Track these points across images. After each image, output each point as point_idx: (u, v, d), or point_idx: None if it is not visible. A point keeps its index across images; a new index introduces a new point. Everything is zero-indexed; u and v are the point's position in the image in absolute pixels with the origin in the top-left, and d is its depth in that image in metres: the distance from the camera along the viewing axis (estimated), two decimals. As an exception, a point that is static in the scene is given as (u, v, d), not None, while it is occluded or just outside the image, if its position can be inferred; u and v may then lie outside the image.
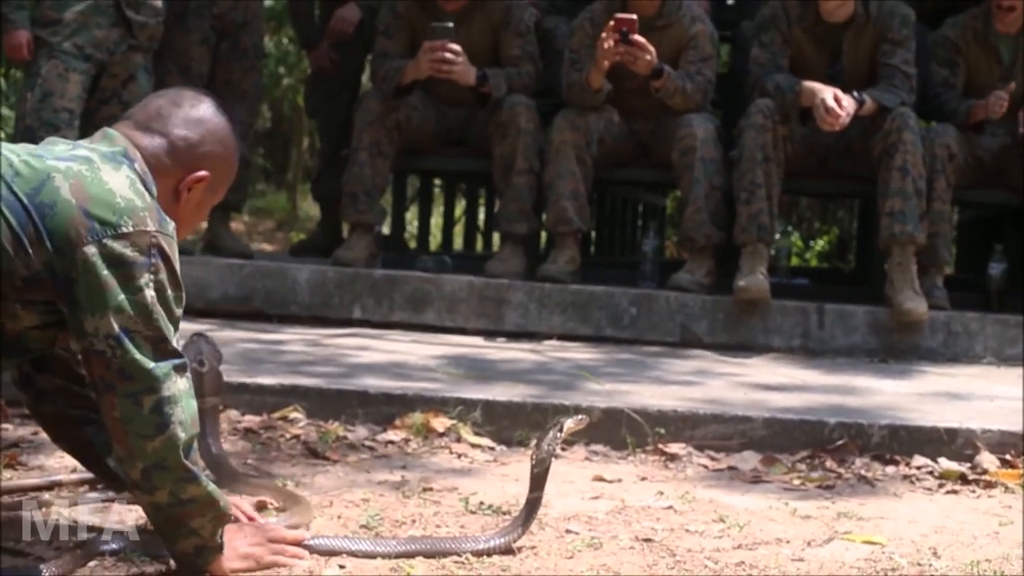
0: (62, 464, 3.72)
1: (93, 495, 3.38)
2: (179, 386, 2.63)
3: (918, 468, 4.24)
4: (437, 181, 9.91)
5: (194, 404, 2.67)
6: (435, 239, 10.46)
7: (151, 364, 2.60)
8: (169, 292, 2.65)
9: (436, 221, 10.78)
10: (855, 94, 6.38)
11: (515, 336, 6.32)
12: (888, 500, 3.85)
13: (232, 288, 6.46)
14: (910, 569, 3.02)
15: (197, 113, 2.84)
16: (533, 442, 3.35)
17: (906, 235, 6.33)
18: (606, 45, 6.39)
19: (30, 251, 2.54)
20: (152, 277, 2.61)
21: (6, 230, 2.53)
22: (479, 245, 10.54)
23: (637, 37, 6.40)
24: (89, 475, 3.52)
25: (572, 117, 6.66)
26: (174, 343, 2.65)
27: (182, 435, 2.62)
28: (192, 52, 6.96)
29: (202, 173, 2.81)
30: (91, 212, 2.57)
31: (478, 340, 6.18)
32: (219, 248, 7.07)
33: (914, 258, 6.40)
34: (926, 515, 3.65)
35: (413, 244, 9.78)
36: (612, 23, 6.39)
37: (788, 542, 3.26)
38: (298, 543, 2.94)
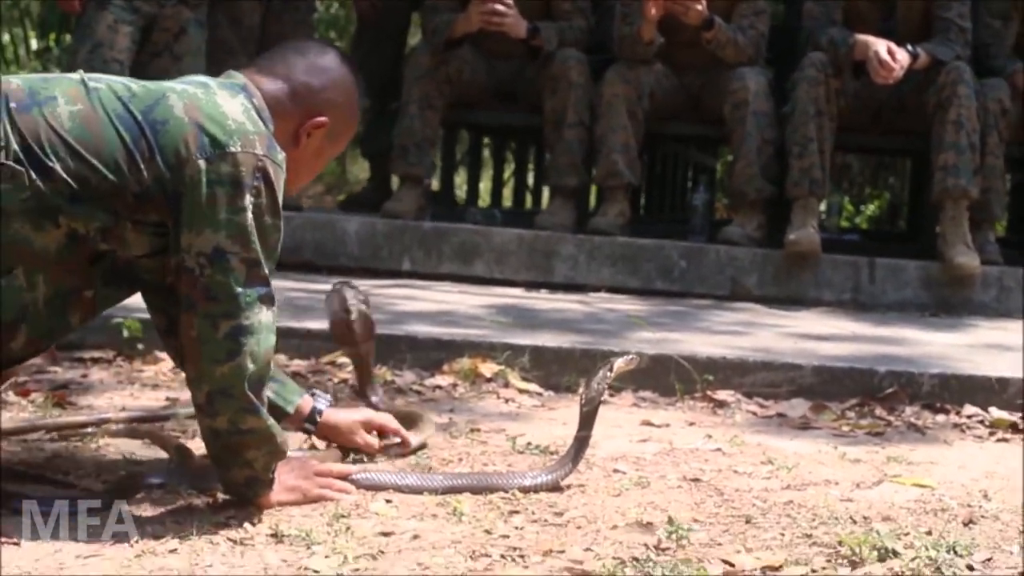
0: (111, 404, 3.75)
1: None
2: (260, 317, 2.64)
3: (968, 417, 4.21)
4: (486, 140, 9.86)
5: (272, 339, 2.67)
6: (484, 198, 10.41)
7: (238, 289, 2.61)
8: (267, 219, 2.65)
9: (485, 185, 10.73)
10: (909, 47, 6.32)
11: (564, 288, 6.30)
12: (938, 447, 3.82)
13: (283, 239, 6.43)
14: (960, 510, 2.99)
15: (322, 61, 2.87)
16: (582, 383, 3.33)
17: (959, 189, 6.27)
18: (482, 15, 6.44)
19: (142, 166, 2.59)
20: (253, 200, 2.61)
21: (119, 145, 2.58)
22: (528, 203, 10.51)
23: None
24: (137, 413, 3.55)
25: (623, 71, 6.62)
26: (266, 271, 2.65)
27: (251, 366, 2.62)
28: (243, 5, 6.95)
29: (322, 119, 2.83)
30: (202, 127, 2.61)
31: (527, 292, 6.17)
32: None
33: (967, 213, 6.34)
34: (976, 461, 3.62)
35: (462, 201, 9.76)
36: None
37: (837, 484, 3.23)
38: (344, 477, 2.95)
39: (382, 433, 3.28)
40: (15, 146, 2.54)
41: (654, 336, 4.77)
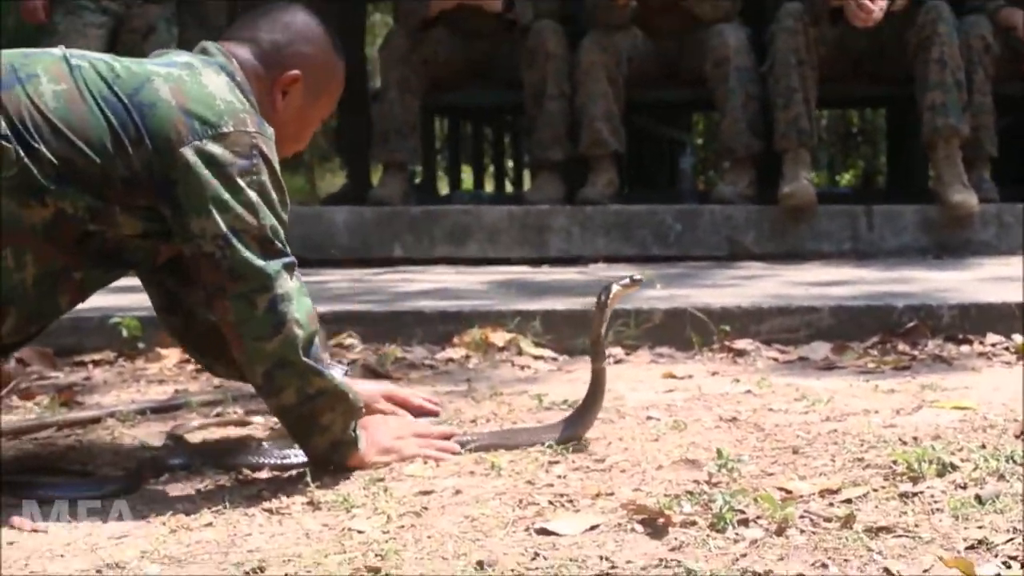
0: (118, 400, 3.64)
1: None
2: (291, 284, 2.56)
3: (992, 345, 4.14)
4: (465, 126, 9.81)
5: (308, 302, 2.59)
6: (466, 184, 10.34)
7: (261, 262, 2.52)
8: (273, 194, 2.57)
9: (466, 172, 10.66)
10: None
11: (560, 262, 6.20)
12: (968, 374, 3.75)
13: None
14: (1008, 425, 2.90)
15: (286, 18, 2.80)
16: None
17: (950, 128, 6.21)
18: None
19: (130, 151, 2.49)
20: (255, 178, 2.54)
21: (106, 127, 2.49)
22: (508, 187, 10.43)
23: None
24: (147, 404, 3.45)
25: (599, 38, 6.54)
26: (281, 243, 2.56)
27: (300, 332, 2.55)
28: (209, 4, 6.84)
29: (294, 73, 2.75)
30: (191, 111, 2.52)
31: (523, 268, 6.07)
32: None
33: (959, 152, 6.27)
34: (1009, 384, 3.54)
35: (444, 190, 9.67)
36: None
37: (876, 412, 3.15)
38: (447, 438, 2.86)
39: (404, 406, 3.18)
40: (2, 123, 2.44)
41: (663, 292, 4.68)
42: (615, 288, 2.97)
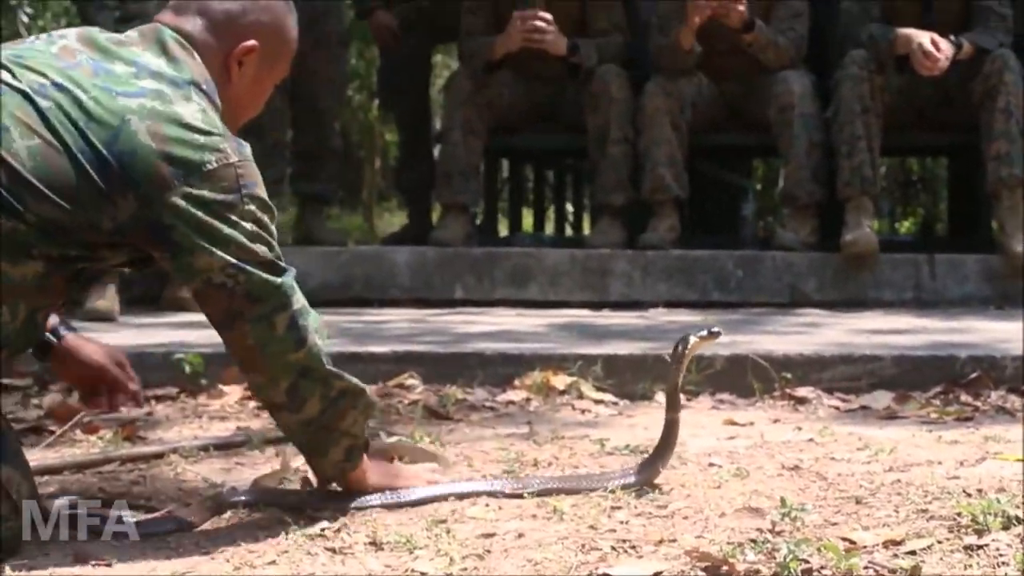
0: (180, 435, 3.66)
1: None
2: (302, 297, 2.59)
3: (1058, 397, 4.11)
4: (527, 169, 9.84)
5: (315, 313, 2.62)
6: (525, 225, 10.36)
7: (277, 280, 2.53)
8: (264, 216, 2.55)
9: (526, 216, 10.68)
10: (952, 38, 6.25)
11: (620, 306, 6.21)
12: (1030, 427, 3.72)
13: (331, 275, 6.35)
14: (1075, 479, 2.88)
15: None
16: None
17: (1015, 178, 6.19)
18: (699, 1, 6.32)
19: (116, 203, 2.44)
20: (247, 207, 2.52)
21: (86, 182, 2.42)
22: (568, 230, 10.45)
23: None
24: (210, 440, 3.47)
25: (663, 83, 6.56)
26: (281, 259, 2.57)
27: (320, 342, 2.58)
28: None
29: (250, 43, 2.68)
30: (173, 155, 2.45)
31: (584, 311, 6.08)
32: (314, 240, 6.96)
33: (1023, 201, 6.25)
34: (1075, 438, 3.52)
35: (504, 232, 9.69)
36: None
37: (940, 463, 3.12)
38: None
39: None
40: None
41: (724, 339, 4.65)
42: (692, 339, 2.98)
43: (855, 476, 2.99)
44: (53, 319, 2.83)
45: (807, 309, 6.03)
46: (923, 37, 6.15)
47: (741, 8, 6.31)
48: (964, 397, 4.13)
